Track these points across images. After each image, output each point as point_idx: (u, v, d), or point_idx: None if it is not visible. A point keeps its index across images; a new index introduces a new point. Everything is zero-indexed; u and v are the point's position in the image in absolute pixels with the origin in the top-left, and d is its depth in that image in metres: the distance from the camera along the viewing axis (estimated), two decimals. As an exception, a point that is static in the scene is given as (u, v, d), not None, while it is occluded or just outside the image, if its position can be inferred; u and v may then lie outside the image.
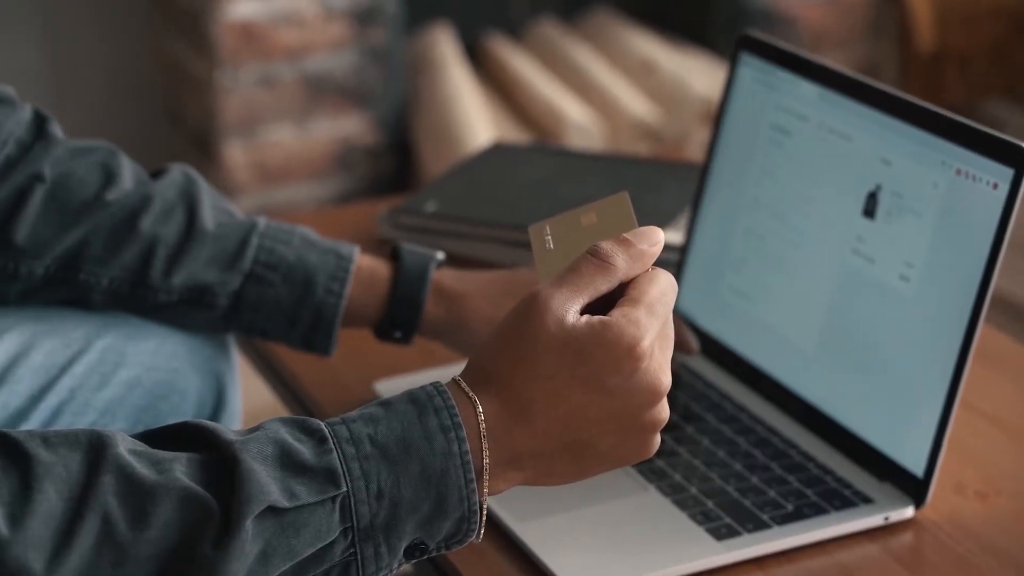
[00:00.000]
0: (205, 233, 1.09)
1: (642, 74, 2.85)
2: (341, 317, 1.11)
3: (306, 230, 1.13)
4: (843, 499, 1.04)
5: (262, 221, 1.12)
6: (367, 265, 1.12)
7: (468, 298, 1.12)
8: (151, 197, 1.09)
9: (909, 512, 1.03)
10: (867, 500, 1.04)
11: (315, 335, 1.11)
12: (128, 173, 1.10)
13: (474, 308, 1.12)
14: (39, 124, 1.09)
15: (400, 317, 1.12)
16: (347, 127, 2.72)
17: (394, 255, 1.14)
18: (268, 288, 1.10)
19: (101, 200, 1.08)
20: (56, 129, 1.10)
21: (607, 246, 0.84)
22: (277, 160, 2.67)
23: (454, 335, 1.13)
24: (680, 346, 1.16)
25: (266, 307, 1.10)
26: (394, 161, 2.79)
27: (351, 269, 1.11)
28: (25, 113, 1.09)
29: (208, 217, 1.10)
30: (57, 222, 1.07)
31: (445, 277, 1.13)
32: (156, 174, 1.12)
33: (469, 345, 1.12)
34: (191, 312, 1.11)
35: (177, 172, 1.11)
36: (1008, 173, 0.99)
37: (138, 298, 1.10)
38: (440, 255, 1.14)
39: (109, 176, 1.09)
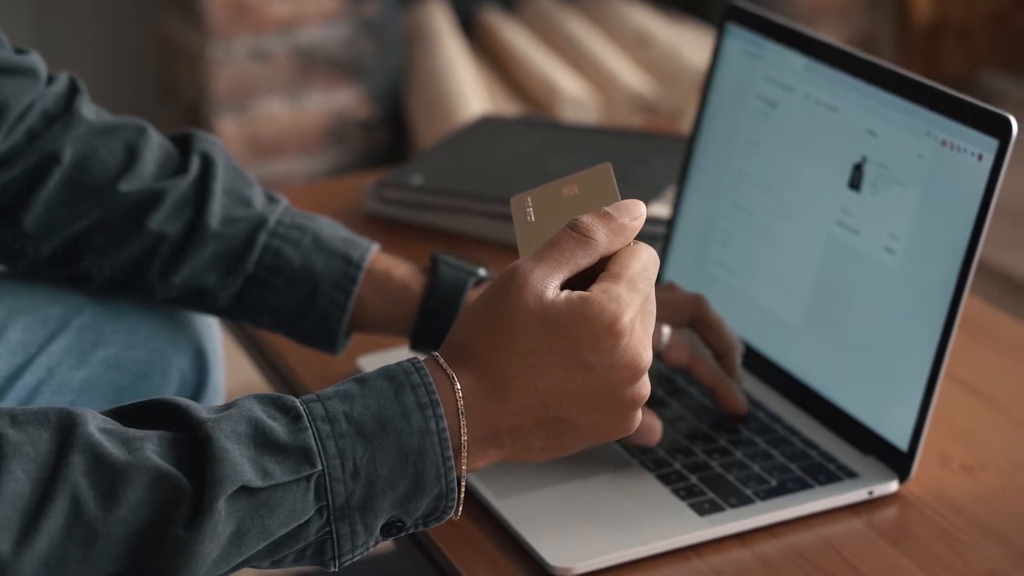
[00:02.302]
0: (209, 233, 1.05)
1: (638, 47, 2.84)
2: (346, 326, 1.06)
3: (323, 224, 1.08)
4: (827, 473, 1.03)
5: (275, 214, 1.07)
6: (400, 276, 1.07)
7: None
8: (164, 193, 1.05)
9: (893, 486, 1.02)
10: (851, 474, 1.03)
11: (319, 339, 1.08)
12: (151, 155, 1.06)
13: None
14: (69, 98, 1.06)
15: (429, 334, 1.06)
16: (340, 100, 2.71)
17: (432, 267, 1.07)
18: (270, 292, 1.06)
19: (115, 190, 1.04)
20: (83, 104, 1.06)
21: (588, 220, 0.84)
22: (270, 134, 2.66)
23: None
24: (730, 408, 1.08)
25: (268, 310, 1.07)
26: (388, 134, 2.77)
27: (358, 278, 1.05)
28: (58, 85, 1.06)
29: (216, 212, 1.05)
30: (68, 209, 1.04)
31: None
32: (181, 141, 1.08)
33: None
34: (190, 307, 1.10)
35: (197, 160, 1.07)
36: (993, 144, 0.98)
37: (137, 290, 1.08)
38: (482, 271, 1.08)
39: (130, 159, 1.05)
